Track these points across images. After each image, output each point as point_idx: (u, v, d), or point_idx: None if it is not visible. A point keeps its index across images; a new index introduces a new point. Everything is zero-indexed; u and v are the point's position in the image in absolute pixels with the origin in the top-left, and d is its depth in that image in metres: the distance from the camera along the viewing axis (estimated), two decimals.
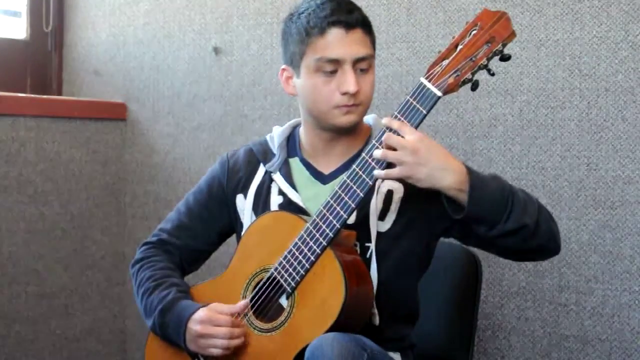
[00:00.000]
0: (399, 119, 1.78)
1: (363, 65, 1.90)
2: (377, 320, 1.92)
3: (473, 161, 2.62)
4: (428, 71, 1.76)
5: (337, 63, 1.88)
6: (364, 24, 1.91)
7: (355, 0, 2.78)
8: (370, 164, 1.80)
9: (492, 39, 1.70)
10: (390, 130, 1.77)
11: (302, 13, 1.92)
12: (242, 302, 1.90)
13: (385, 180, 1.94)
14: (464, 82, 1.73)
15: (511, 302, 2.59)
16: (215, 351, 1.88)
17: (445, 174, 1.75)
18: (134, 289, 2.10)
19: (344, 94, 1.88)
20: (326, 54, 1.88)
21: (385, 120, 1.78)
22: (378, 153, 1.76)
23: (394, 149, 1.76)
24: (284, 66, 2.00)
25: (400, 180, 1.92)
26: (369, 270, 1.90)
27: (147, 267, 2.08)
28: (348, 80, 1.87)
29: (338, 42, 1.88)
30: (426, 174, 1.74)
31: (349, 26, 1.88)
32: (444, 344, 2.28)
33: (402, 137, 1.74)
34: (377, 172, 1.78)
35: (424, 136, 1.74)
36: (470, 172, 1.77)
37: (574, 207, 2.50)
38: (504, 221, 1.78)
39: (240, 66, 3.07)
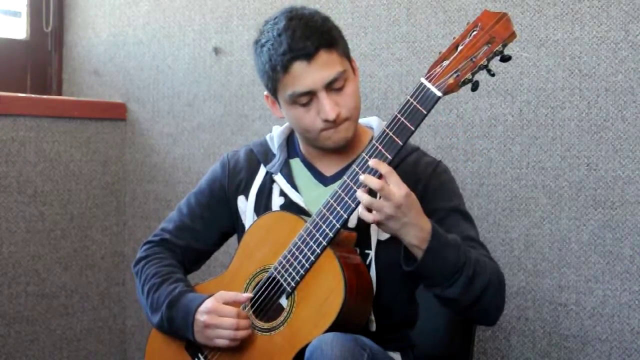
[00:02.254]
0: (383, 153, 1.77)
1: (337, 84, 1.88)
2: (373, 327, 1.92)
3: (473, 161, 2.63)
4: (428, 71, 1.75)
5: (310, 94, 1.87)
6: (326, 44, 1.87)
7: (356, 1, 2.81)
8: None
9: (492, 39, 1.70)
10: (374, 173, 1.75)
11: (264, 46, 1.90)
12: (245, 294, 1.91)
13: None
14: (464, 83, 1.73)
15: (511, 302, 2.59)
16: (221, 342, 1.88)
17: (412, 230, 1.75)
18: (137, 286, 2.10)
19: (325, 121, 1.88)
20: (296, 89, 1.87)
21: (372, 163, 1.75)
22: (362, 197, 1.74)
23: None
24: (265, 93, 2.00)
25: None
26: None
27: (152, 264, 2.08)
28: (325, 108, 1.86)
29: (303, 75, 1.86)
30: (397, 227, 1.75)
31: (309, 56, 1.85)
32: (444, 344, 2.28)
33: (388, 185, 1.73)
34: (359, 210, 1.76)
35: (409, 192, 1.74)
36: (433, 236, 1.77)
37: (574, 207, 2.50)
38: (443, 288, 1.81)
39: (240, 66, 3.07)
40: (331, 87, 1.88)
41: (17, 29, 3.34)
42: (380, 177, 1.74)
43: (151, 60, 3.27)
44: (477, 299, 1.83)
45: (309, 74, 1.85)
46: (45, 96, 3.29)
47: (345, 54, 1.94)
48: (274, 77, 1.89)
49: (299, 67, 1.85)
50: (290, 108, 1.92)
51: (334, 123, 1.89)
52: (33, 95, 3.20)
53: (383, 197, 1.72)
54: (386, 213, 1.73)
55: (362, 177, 1.75)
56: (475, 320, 2.06)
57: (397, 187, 1.73)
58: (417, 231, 1.75)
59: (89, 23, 3.39)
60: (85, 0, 3.39)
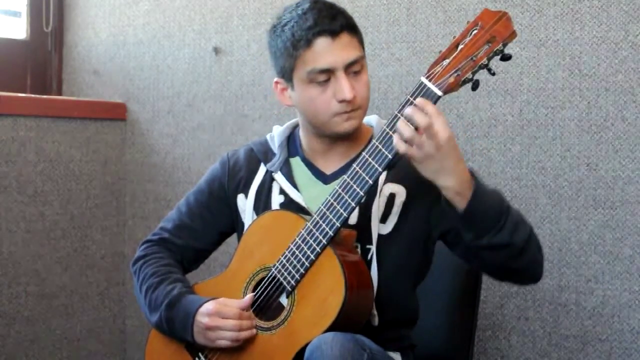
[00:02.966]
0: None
1: (355, 67, 1.90)
2: (376, 321, 1.92)
3: (473, 161, 2.63)
4: (428, 71, 1.75)
5: (329, 72, 1.88)
6: (349, 27, 1.90)
7: (356, 1, 2.81)
8: (371, 163, 1.79)
9: (492, 38, 1.70)
10: (420, 109, 1.72)
11: (286, 25, 1.91)
12: (248, 296, 1.91)
13: (388, 183, 1.94)
14: (465, 82, 1.73)
15: (511, 302, 2.59)
16: (224, 343, 1.88)
17: (451, 176, 1.74)
18: (136, 286, 2.10)
19: (342, 101, 1.88)
20: (317, 65, 1.88)
21: (420, 102, 1.72)
22: (406, 130, 1.72)
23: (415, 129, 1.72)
24: (276, 79, 2.00)
25: (402, 183, 1.93)
26: (370, 272, 1.90)
27: (150, 264, 2.08)
28: (343, 88, 1.87)
29: (326, 51, 1.87)
30: (435, 169, 1.73)
31: (334, 33, 1.87)
32: (444, 344, 2.28)
33: (433, 125, 1.70)
34: (395, 140, 1.74)
35: (452, 136, 1.72)
36: (475, 182, 1.76)
37: (574, 207, 2.50)
38: (493, 233, 1.77)
39: (240, 66, 3.07)
40: (350, 69, 1.89)
41: (17, 29, 3.34)
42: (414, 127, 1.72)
43: (151, 60, 3.27)
44: (526, 243, 1.80)
45: (331, 51, 1.87)
46: (45, 96, 3.29)
47: (362, 45, 1.95)
48: (294, 53, 1.89)
49: (322, 42, 1.87)
50: (305, 88, 1.91)
51: (349, 105, 1.89)
52: (33, 95, 3.20)
53: (427, 135, 1.70)
54: (426, 151, 1.71)
55: (409, 110, 1.72)
56: (524, 272, 1.91)
57: (442, 128, 1.70)
58: (456, 178, 1.73)
59: (89, 23, 3.39)
60: (85, 0, 3.39)
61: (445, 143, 1.70)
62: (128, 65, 3.32)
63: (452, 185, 1.74)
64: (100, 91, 3.37)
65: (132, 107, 3.32)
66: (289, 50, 1.90)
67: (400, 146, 1.73)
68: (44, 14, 3.36)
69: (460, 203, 1.75)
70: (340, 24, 1.88)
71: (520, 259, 1.82)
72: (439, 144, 1.70)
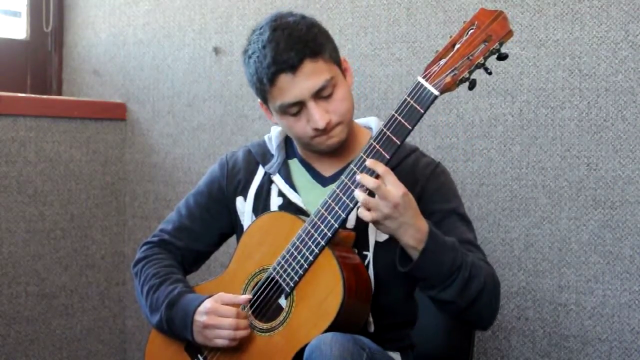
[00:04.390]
0: (378, 155, 1.77)
1: (325, 92, 1.88)
2: (372, 328, 1.91)
3: (473, 161, 2.62)
4: (425, 70, 1.75)
5: (298, 104, 1.87)
6: (311, 53, 1.86)
7: (356, 1, 2.81)
8: None
9: (489, 37, 1.70)
10: (371, 173, 1.75)
11: (251, 58, 1.90)
12: (245, 296, 1.91)
13: None
14: (462, 81, 1.73)
15: (511, 302, 2.59)
16: (221, 342, 1.88)
17: (408, 230, 1.76)
18: (137, 287, 2.10)
19: (315, 129, 1.89)
20: (284, 100, 1.87)
21: (369, 163, 1.75)
22: (359, 196, 1.75)
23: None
24: (259, 100, 2.01)
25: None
26: None
27: (151, 265, 2.08)
28: (314, 118, 1.87)
29: (290, 87, 1.85)
30: (394, 227, 1.75)
31: (293, 68, 1.84)
32: (444, 344, 2.28)
33: (385, 184, 1.73)
34: (360, 210, 1.76)
35: (406, 192, 1.74)
36: (430, 237, 1.77)
37: (574, 207, 2.50)
38: (439, 290, 1.80)
39: (240, 66, 3.02)
40: (319, 95, 1.87)
41: (17, 29, 3.34)
42: (377, 177, 1.74)
43: (151, 60, 3.27)
44: (473, 301, 1.82)
45: (295, 85, 1.85)
46: (45, 96, 3.29)
47: (333, 59, 1.92)
48: (261, 88, 1.90)
49: (284, 79, 1.85)
50: (281, 117, 1.93)
51: (325, 131, 1.89)
52: (33, 95, 3.20)
53: (380, 197, 1.72)
54: (383, 212, 1.73)
55: (359, 177, 1.75)
56: (470, 324, 2.06)
57: (394, 187, 1.73)
58: (414, 232, 1.76)
59: (89, 23, 3.39)
60: (85, 0, 3.39)
61: (400, 200, 1.72)
62: (128, 65, 3.32)
63: (408, 240, 1.77)
64: (100, 91, 3.37)
65: (132, 107, 3.32)
66: (257, 84, 1.91)
67: (364, 215, 1.75)
68: (44, 14, 3.36)
69: (415, 256, 1.78)
70: (299, 56, 1.84)
71: (466, 313, 1.86)
72: (394, 203, 1.72)
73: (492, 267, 1.91)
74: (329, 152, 1.97)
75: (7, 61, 3.27)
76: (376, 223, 1.76)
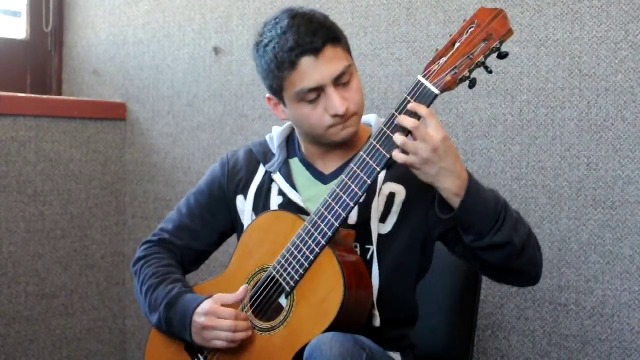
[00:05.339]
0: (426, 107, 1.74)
1: (344, 79, 1.88)
2: (378, 322, 1.91)
3: (473, 161, 2.62)
4: (426, 69, 1.75)
5: (318, 89, 1.87)
6: (331, 39, 1.87)
7: (356, 1, 2.81)
8: (369, 163, 1.79)
9: (489, 36, 1.70)
10: (411, 114, 1.73)
11: (267, 46, 1.89)
12: (241, 289, 1.90)
13: (388, 183, 1.94)
14: (462, 80, 1.73)
15: (511, 302, 2.59)
16: (220, 344, 1.88)
17: (449, 177, 1.73)
18: (136, 286, 2.10)
19: (335, 116, 1.88)
20: (305, 86, 1.86)
21: (411, 106, 1.73)
22: (399, 139, 1.72)
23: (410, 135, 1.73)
24: (268, 95, 2.00)
25: (402, 182, 1.93)
26: (370, 272, 1.90)
27: (150, 264, 2.08)
28: (335, 103, 1.86)
29: (312, 71, 1.85)
30: (434, 173, 1.73)
31: (317, 51, 1.84)
32: (444, 344, 2.28)
33: (426, 128, 1.71)
34: (393, 153, 1.74)
35: (447, 137, 1.72)
36: (470, 180, 1.76)
37: (574, 207, 2.50)
38: (492, 234, 1.77)
39: (240, 66, 3.07)
40: (339, 81, 1.87)
41: (17, 29, 3.34)
42: (419, 119, 1.72)
43: (151, 60, 3.27)
44: (525, 243, 1.80)
45: (317, 69, 1.85)
46: (45, 96, 3.29)
47: (348, 50, 1.94)
48: (280, 75, 1.88)
49: (307, 62, 1.85)
50: (297, 106, 1.91)
51: (343, 118, 1.88)
52: (33, 95, 3.20)
53: (420, 140, 1.70)
54: (422, 156, 1.71)
55: (400, 118, 1.73)
56: (523, 273, 1.90)
57: (434, 130, 1.70)
58: (454, 179, 1.73)
59: (89, 23, 3.39)
60: (85, 0, 3.39)
61: (441, 144, 1.70)
62: (128, 65, 3.32)
63: (450, 186, 1.74)
64: (100, 91, 3.37)
65: (132, 107, 3.32)
66: (274, 72, 1.89)
67: (397, 157, 1.73)
68: (44, 14, 3.36)
69: (457, 203, 1.75)
70: (321, 40, 1.85)
71: (520, 259, 1.82)
72: (434, 146, 1.70)
73: None
74: (339, 145, 1.96)
75: (7, 61, 3.27)
76: (414, 168, 1.74)
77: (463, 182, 1.74)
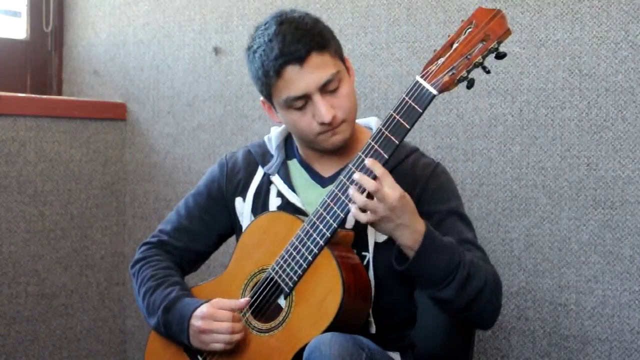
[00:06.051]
0: (377, 150, 1.76)
1: (331, 86, 1.88)
2: (373, 329, 1.91)
3: (473, 161, 2.62)
4: (424, 69, 1.75)
5: (304, 97, 1.87)
6: (318, 46, 1.86)
7: (356, 1, 2.80)
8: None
9: (487, 36, 1.70)
10: (369, 173, 1.75)
11: (256, 52, 1.89)
12: (243, 300, 1.90)
13: None
14: (460, 80, 1.73)
15: (511, 302, 2.58)
16: (218, 346, 1.88)
17: (405, 232, 1.76)
18: (134, 288, 2.10)
19: (322, 124, 1.88)
20: (290, 94, 1.87)
21: (368, 163, 1.75)
22: (357, 199, 1.74)
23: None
24: (261, 98, 2.00)
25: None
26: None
27: (149, 267, 2.08)
28: (321, 112, 1.86)
29: (297, 79, 1.85)
30: (391, 228, 1.76)
31: (301, 60, 1.84)
32: (444, 344, 2.27)
33: (382, 187, 1.72)
34: (352, 211, 1.76)
35: (403, 194, 1.74)
36: (426, 238, 1.77)
37: (574, 207, 2.50)
38: (437, 290, 1.81)
39: (240, 66, 3.06)
40: (325, 89, 1.87)
41: (17, 29, 3.34)
42: (375, 178, 1.74)
43: (151, 60, 3.27)
44: (472, 301, 1.82)
45: (302, 78, 1.85)
46: (45, 96, 3.29)
47: (338, 55, 1.93)
48: (267, 82, 1.89)
49: (291, 71, 1.85)
50: (286, 113, 1.92)
51: (330, 126, 1.88)
52: (33, 95, 3.20)
53: (377, 199, 1.73)
54: (380, 214, 1.73)
55: (357, 176, 1.75)
56: (471, 323, 2.06)
57: (391, 189, 1.73)
58: (410, 233, 1.76)
59: (89, 23, 3.39)
60: (85, 0, 3.39)
61: (397, 203, 1.72)
62: (128, 65, 3.32)
63: (406, 241, 1.77)
64: (100, 91, 3.37)
65: (132, 107, 3.32)
66: (262, 79, 1.90)
67: (360, 217, 1.75)
68: (44, 14, 3.36)
69: (411, 255, 1.78)
70: (306, 48, 1.84)
71: (465, 313, 1.86)
72: (391, 205, 1.72)
73: (492, 266, 1.90)
74: (332, 151, 1.96)
75: (7, 61, 3.27)
76: (372, 224, 1.77)
77: (419, 235, 1.77)
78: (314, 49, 1.85)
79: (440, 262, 1.78)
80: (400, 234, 1.76)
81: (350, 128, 1.94)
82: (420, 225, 1.77)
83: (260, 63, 1.88)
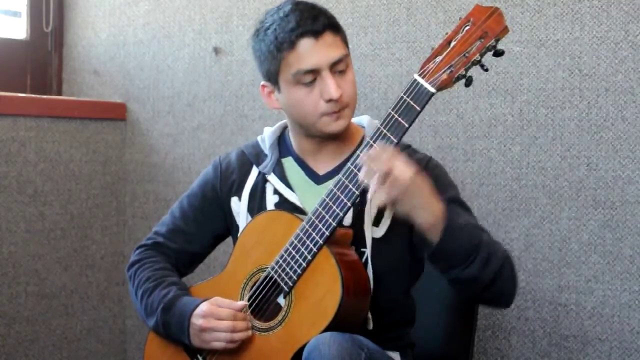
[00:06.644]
0: (392, 141, 1.76)
1: (340, 67, 1.90)
2: (370, 325, 1.91)
3: (473, 161, 2.62)
4: (422, 68, 1.76)
5: (314, 72, 1.88)
6: (332, 26, 1.91)
7: (356, 1, 2.80)
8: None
9: (485, 34, 1.70)
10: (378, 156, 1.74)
11: (269, 29, 1.91)
12: (241, 302, 1.90)
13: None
14: (458, 78, 1.73)
15: None
16: (219, 345, 1.88)
17: (422, 213, 1.75)
18: (131, 290, 2.10)
19: (329, 100, 1.88)
20: (302, 66, 1.88)
21: (378, 146, 1.76)
22: (372, 185, 1.73)
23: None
24: (262, 82, 2.01)
25: None
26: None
27: (145, 268, 2.08)
28: (329, 87, 1.87)
29: (310, 52, 1.87)
30: (406, 209, 1.75)
31: (317, 33, 1.87)
32: (444, 344, 2.27)
33: (394, 167, 1.71)
34: (370, 192, 1.75)
35: (417, 174, 1.73)
36: (447, 219, 1.77)
37: (574, 207, 2.50)
38: (461, 269, 1.79)
39: (240, 66, 3.07)
40: (335, 68, 1.89)
41: (17, 29, 3.34)
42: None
43: (151, 60, 3.27)
44: (495, 276, 1.81)
45: (315, 51, 1.87)
46: (45, 96, 3.29)
47: (346, 45, 1.96)
48: (278, 56, 1.89)
49: (306, 43, 1.87)
50: (292, 90, 1.92)
51: (337, 104, 1.89)
52: (33, 95, 3.20)
53: (390, 180, 1.71)
54: (394, 196, 1.72)
55: (366, 158, 1.73)
56: (493, 301, 1.98)
57: (402, 170, 1.71)
58: (428, 215, 1.75)
59: (89, 23, 3.39)
60: (85, 0, 3.39)
61: (410, 183, 1.71)
62: (128, 65, 3.32)
63: (424, 221, 1.76)
64: (100, 91, 3.37)
65: (132, 107, 3.32)
66: (273, 53, 1.90)
67: (380, 198, 1.73)
68: (44, 14, 3.36)
69: (433, 237, 1.77)
70: (322, 24, 1.88)
71: (489, 291, 1.85)
72: (404, 186, 1.71)
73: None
74: (331, 140, 1.96)
75: (7, 61, 3.27)
76: (389, 206, 1.77)
77: (437, 219, 1.76)
78: (329, 28, 1.90)
79: (464, 240, 1.78)
80: (417, 215, 1.75)
81: (351, 116, 1.96)
82: (437, 207, 1.76)
83: (274, 37, 1.89)
